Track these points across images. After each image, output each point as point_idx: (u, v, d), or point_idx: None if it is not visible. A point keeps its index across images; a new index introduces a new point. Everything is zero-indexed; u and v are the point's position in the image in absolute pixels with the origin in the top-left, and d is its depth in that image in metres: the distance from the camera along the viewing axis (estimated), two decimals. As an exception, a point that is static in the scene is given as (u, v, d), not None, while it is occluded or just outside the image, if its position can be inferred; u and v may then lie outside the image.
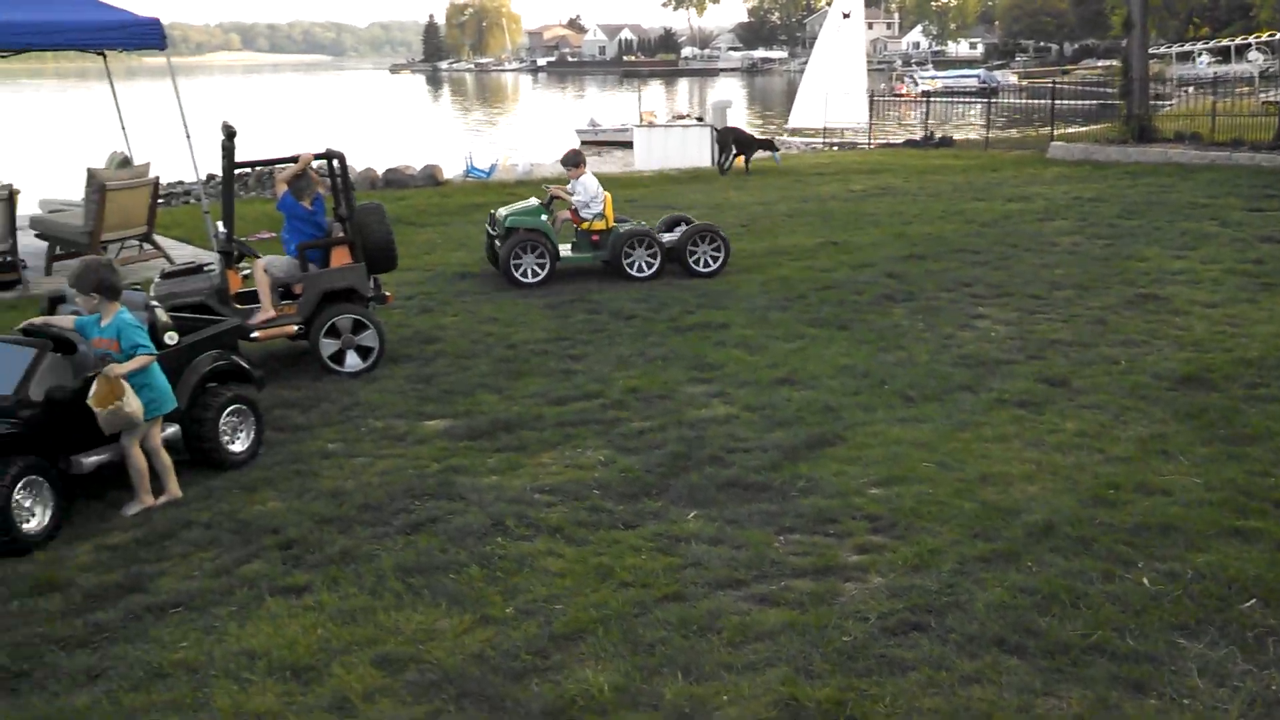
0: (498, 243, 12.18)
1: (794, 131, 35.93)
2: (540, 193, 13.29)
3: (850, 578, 5.34)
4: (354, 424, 7.77)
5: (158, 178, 13.79)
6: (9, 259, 12.49)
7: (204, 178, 14.48)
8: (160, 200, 14.79)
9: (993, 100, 35.54)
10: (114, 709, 4.47)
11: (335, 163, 9.12)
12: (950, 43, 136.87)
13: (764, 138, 25.83)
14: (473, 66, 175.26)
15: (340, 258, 8.95)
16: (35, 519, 5.98)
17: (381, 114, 71.76)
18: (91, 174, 12.72)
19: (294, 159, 9.06)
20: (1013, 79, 64.25)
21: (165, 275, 8.88)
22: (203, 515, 6.26)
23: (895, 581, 5.26)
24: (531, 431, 7.48)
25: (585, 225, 12.35)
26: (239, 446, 7.02)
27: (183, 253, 14.13)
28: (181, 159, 14.78)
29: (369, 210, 9.22)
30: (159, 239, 13.94)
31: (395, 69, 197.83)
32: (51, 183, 19.09)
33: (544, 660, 4.70)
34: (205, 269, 8.92)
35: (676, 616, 4.97)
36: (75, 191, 15.26)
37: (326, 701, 4.47)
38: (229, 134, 8.60)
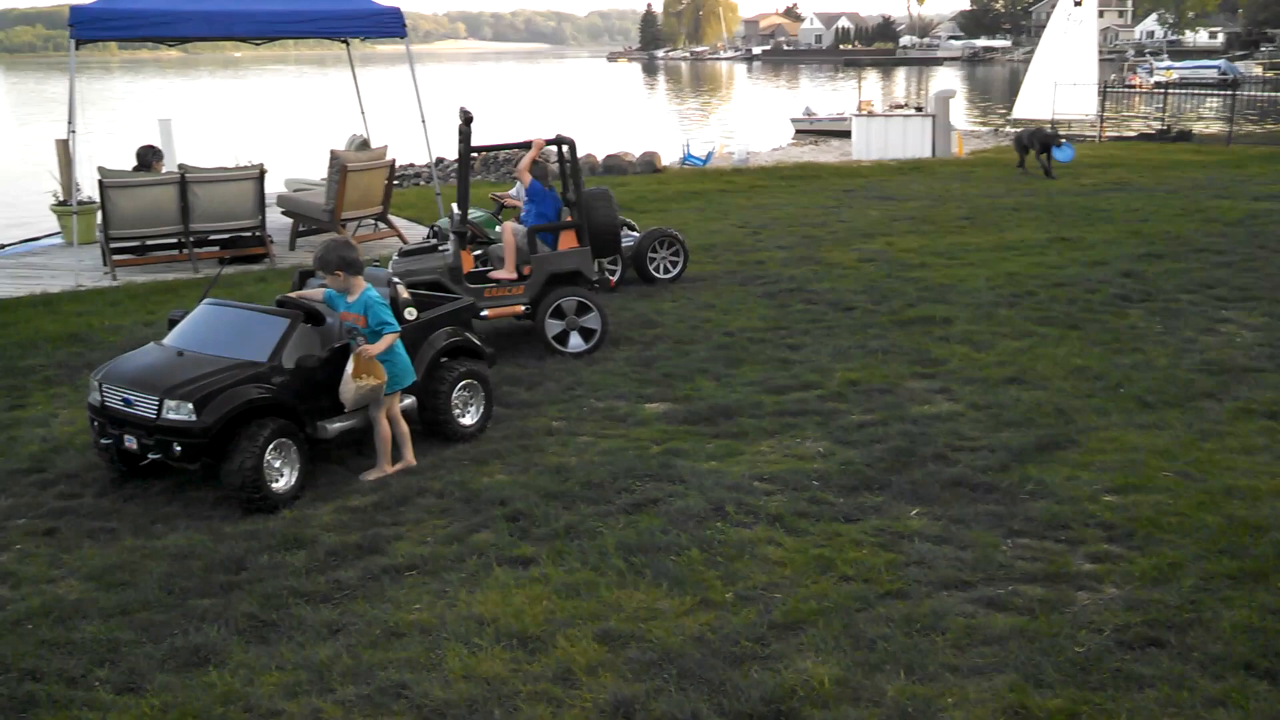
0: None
1: (1018, 123, 34.71)
2: (488, 203, 12.36)
3: (1083, 586, 5.14)
4: (576, 403, 7.94)
5: (394, 160, 14.40)
6: (258, 234, 13.30)
7: (435, 160, 15.02)
8: (395, 182, 15.43)
9: (1235, 93, 33.42)
10: (354, 663, 4.70)
11: (565, 148, 9.32)
12: (1188, 32, 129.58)
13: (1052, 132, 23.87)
14: (688, 55, 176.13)
15: (568, 241, 9.16)
16: (283, 479, 6.35)
17: (600, 101, 72.98)
18: (334, 155, 13.38)
19: (526, 144, 9.31)
20: (1257, 70, 60.32)
21: (402, 253, 9.28)
22: (435, 484, 6.52)
23: (1132, 594, 5.03)
24: (750, 419, 7.48)
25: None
26: (469, 420, 7.28)
27: (415, 233, 14.74)
28: (413, 142, 15.42)
29: (597, 195, 9.39)
30: (393, 219, 14.57)
31: (612, 57, 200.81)
32: (295, 163, 20.16)
33: (763, 648, 4.70)
34: (440, 248, 9.27)
35: (899, 614, 4.89)
36: (317, 171, 16.12)
37: (551, 672, 4.58)
38: (466, 119, 8.90)
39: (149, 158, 13.82)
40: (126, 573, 5.57)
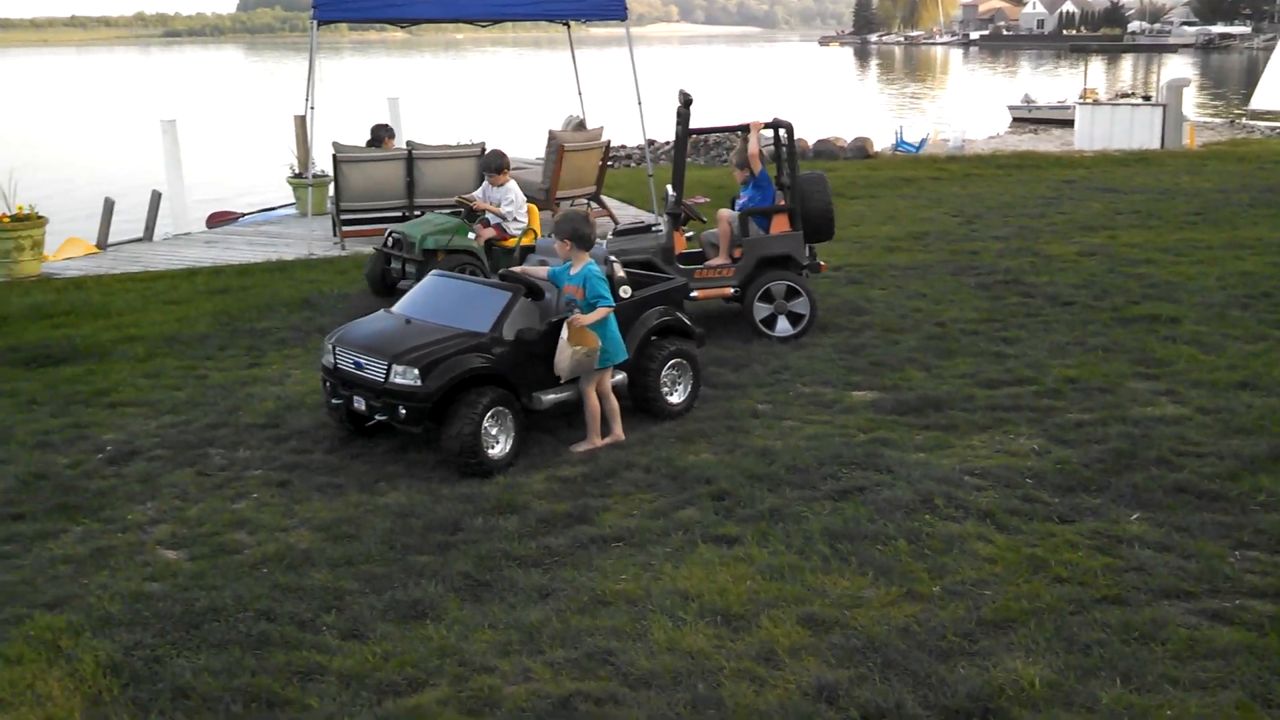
0: (407, 267, 10.37)
1: (1255, 115, 32.71)
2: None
3: (1320, 606, 4.85)
4: (782, 387, 7.94)
5: (609, 141, 14.65)
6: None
7: (646, 142, 15.20)
8: (608, 163, 15.69)
9: None
10: (562, 627, 4.85)
11: (782, 132, 9.30)
12: None
13: None
14: (902, 40, 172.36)
15: (780, 225, 9.15)
16: (499, 446, 6.59)
17: (811, 86, 72.29)
18: (552, 135, 13.71)
19: (744, 128, 9.33)
20: None
21: (617, 233, 9.46)
22: (642, 459, 6.64)
23: (1375, 617, 4.72)
24: (961, 412, 7.32)
25: (512, 242, 10.10)
26: (677, 398, 7.37)
27: (626, 213, 14.96)
28: (625, 124, 15.62)
29: (811, 180, 9.34)
30: (605, 199, 14.83)
31: (824, 41, 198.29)
32: (512, 141, 20.70)
33: (971, 644, 4.62)
34: (653, 229, 9.40)
35: (1116, 620, 4.72)
36: (532, 150, 16.53)
37: (754, 651, 4.62)
38: (686, 102, 8.98)
39: (381, 134, 14.46)
40: (352, 526, 5.89)
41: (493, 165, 10.63)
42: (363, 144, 14.15)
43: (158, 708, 4.33)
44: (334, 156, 13.10)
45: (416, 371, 6.38)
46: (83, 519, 6.06)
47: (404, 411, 6.45)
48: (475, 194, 10.90)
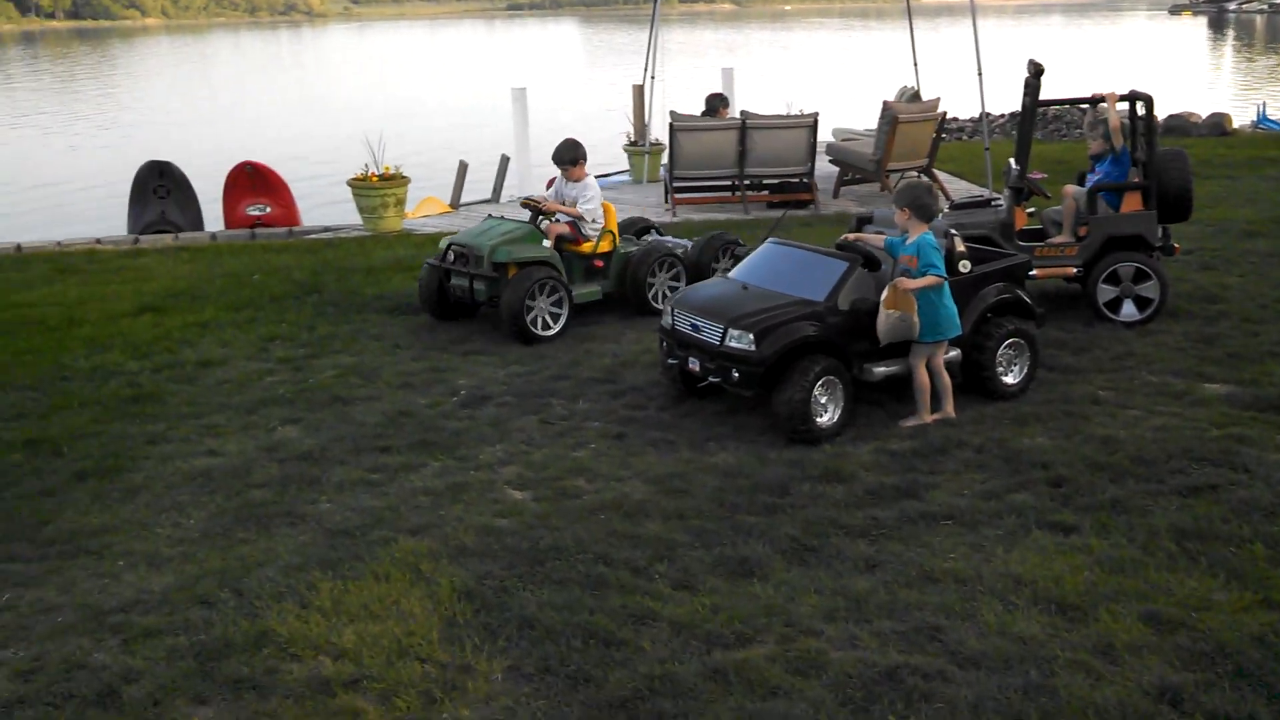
0: (475, 284, 8.87)
1: None
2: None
3: None
4: (1127, 375, 7.54)
5: (944, 112, 14.28)
6: (805, 180, 13.77)
7: (984, 114, 14.69)
8: (940, 136, 15.30)
9: None
10: (889, 599, 4.85)
11: (1140, 105, 8.78)
12: None
13: None
14: (1265, 7, 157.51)
15: (1132, 203, 8.66)
16: (827, 414, 6.62)
17: (1160, 56, 67.48)
18: (886, 106, 13.51)
19: (1097, 99, 8.88)
20: None
21: (955, 206, 9.24)
22: (974, 439, 6.50)
23: None
24: (1332, 413, 6.73)
25: (589, 247, 9.25)
26: (1012, 379, 7.16)
27: (957, 187, 14.57)
28: (959, 96, 15.14)
29: (1170, 157, 8.78)
30: (935, 172, 14.49)
31: (1175, 10, 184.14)
32: (842, 113, 20.52)
33: (1338, 661, 4.28)
34: (992, 204, 9.11)
35: None
36: (861, 122, 16.34)
37: (1091, 643, 4.46)
38: (1036, 72, 8.63)
39: (715, 104, 14.71)
40: (683, 482, 6.09)
41: (566, 157, 9.29)
42: (697, 114, 14.44)
43: (505, 634, 4.66)
44: (670, 125, 13.43)
45: (751, 336, 6.51)
46: (440, 455, 6.58)
47: (737, 375, 6.60)
48: (547, 193, 9.78)
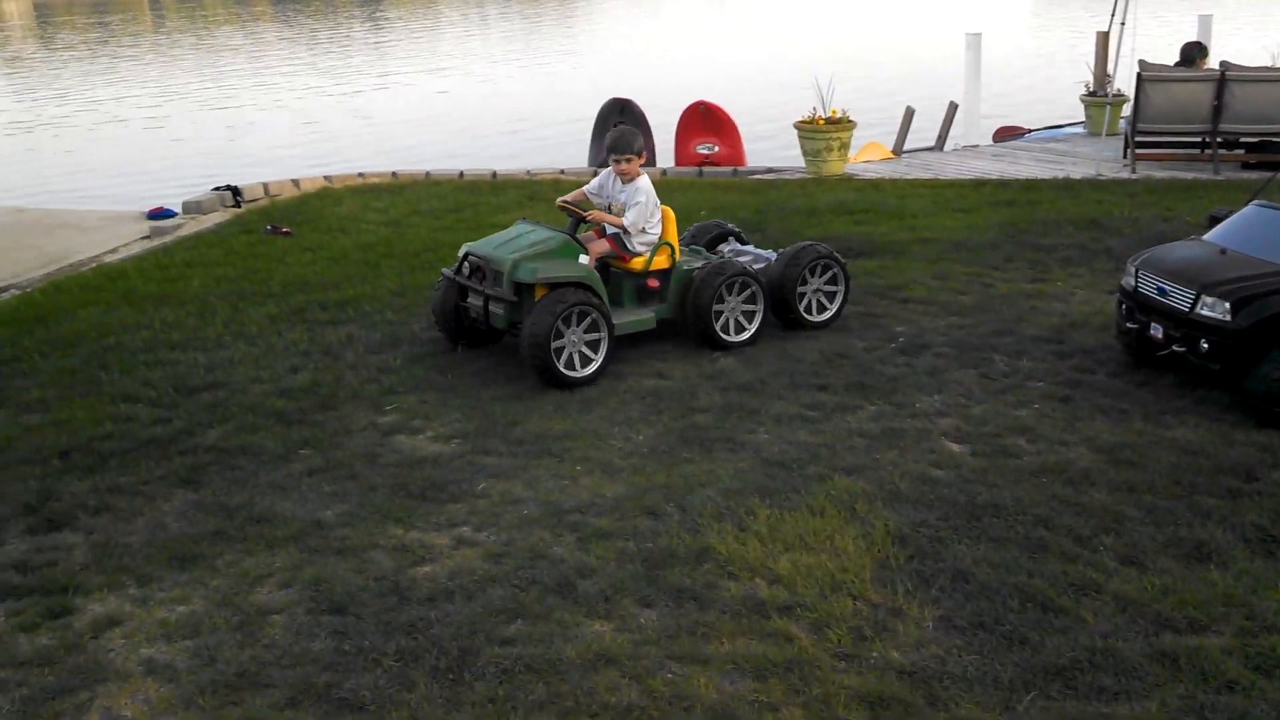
0: (492, 307, 7.18)
1: None
2: (560, 218, 7.61)
3: None
4: None
5: None
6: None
7: None
8: None
9: None
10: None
11: None
12: None
13: None
14: None
15: None
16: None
17: None
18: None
19: None
20: None
21: None
22: None
23: None
24: None
25: (639, 263, 7.46)
26: None
27: None
28: None
29: None
30: None
31: None
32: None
33: None
34: None
35: None
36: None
37: None
38: None
39: (1193, 53, 13.54)
40: (1134, 453, 5.75)
41: (624, 148, 7.37)
42: (1170, 63, 13.35)
43: (938, 584, 4.64)
44: (1138, 75, 12.50)
45: (1228, 305, 6.00)
46: (876, 399, 6.59)
47: (1205, 345, 6.12)
48: (589, 186, 7.71)
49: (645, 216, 7.33)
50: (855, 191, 12.15)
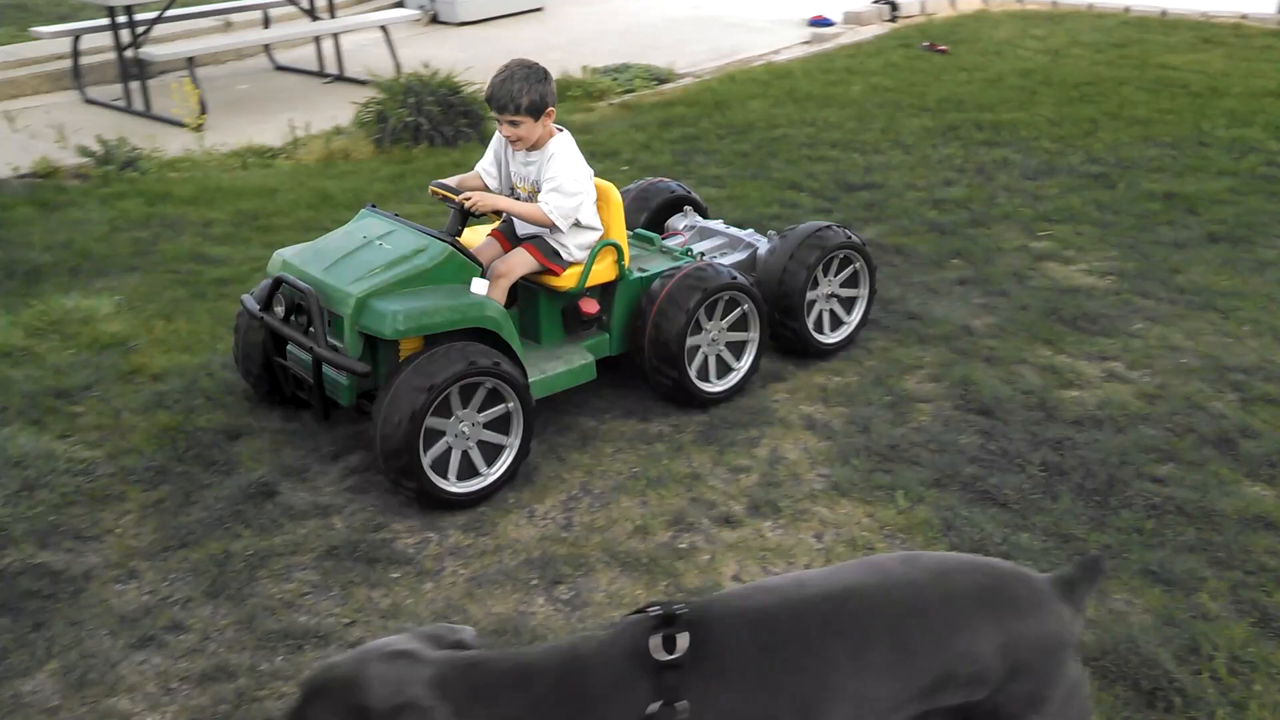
0: (319, 368, 4.07)
1: None
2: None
3: None
4: None
5: None
6: None
7: None
8: None
9: None
10: None
11: None
12: None
13: None
14: None
15: None
16: None
17: None
18: None
19: None
20: None
21: None
22: None
23: None
24: None
25: (571, 279, 4.42)
26: None
27: None
28: None
29: None
30: None
31: None
32: None
33: None
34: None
35: None
36: None
37: None
38: None
39: None
40: None
41: (510, 99, 4.17)
42: None
43: None
44: None
45: None
46: None
47: None
48: (482, 162, 4.55)
49: (574, 203, 4.36)
50: None
